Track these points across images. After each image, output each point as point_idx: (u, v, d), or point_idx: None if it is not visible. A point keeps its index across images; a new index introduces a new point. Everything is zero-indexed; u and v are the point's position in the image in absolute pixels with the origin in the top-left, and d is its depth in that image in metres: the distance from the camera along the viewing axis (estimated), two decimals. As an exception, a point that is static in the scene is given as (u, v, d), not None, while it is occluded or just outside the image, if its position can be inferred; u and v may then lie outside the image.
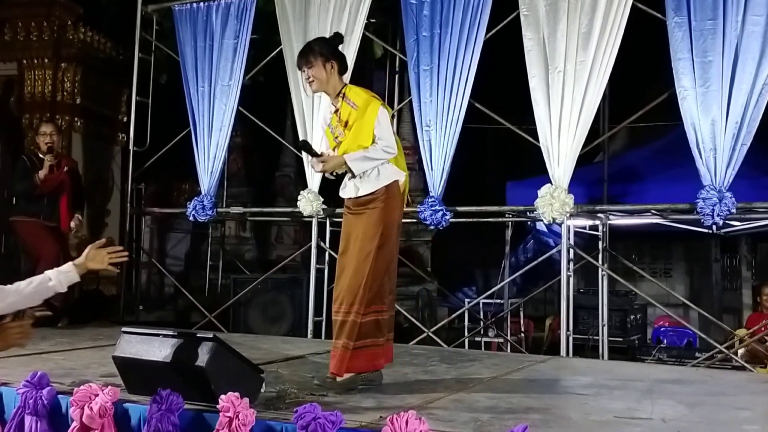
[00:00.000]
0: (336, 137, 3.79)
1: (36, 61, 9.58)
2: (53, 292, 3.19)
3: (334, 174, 3.82)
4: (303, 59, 3.80)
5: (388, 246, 3.71)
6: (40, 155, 6.39)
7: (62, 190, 6.44)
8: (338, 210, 7.04)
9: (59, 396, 3.27)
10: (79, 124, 9.79)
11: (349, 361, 3.63)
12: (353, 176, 3.70)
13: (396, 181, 3.77)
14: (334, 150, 3.81)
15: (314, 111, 6.56)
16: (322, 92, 3.92)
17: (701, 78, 5.23)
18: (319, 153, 3.83)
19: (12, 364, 4.18)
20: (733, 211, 5.12)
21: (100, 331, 6.19)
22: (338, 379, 3.64)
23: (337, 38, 3.92)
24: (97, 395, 3.06)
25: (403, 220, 6.70)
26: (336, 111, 3.80)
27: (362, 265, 3.62)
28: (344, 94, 3.77)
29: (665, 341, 7.73)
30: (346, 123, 3.73)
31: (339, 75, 3.81)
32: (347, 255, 3.72)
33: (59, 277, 3.18)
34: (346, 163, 3.65)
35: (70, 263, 3.26)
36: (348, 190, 3.82)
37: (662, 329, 8.02)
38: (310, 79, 3.78)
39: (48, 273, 3.19)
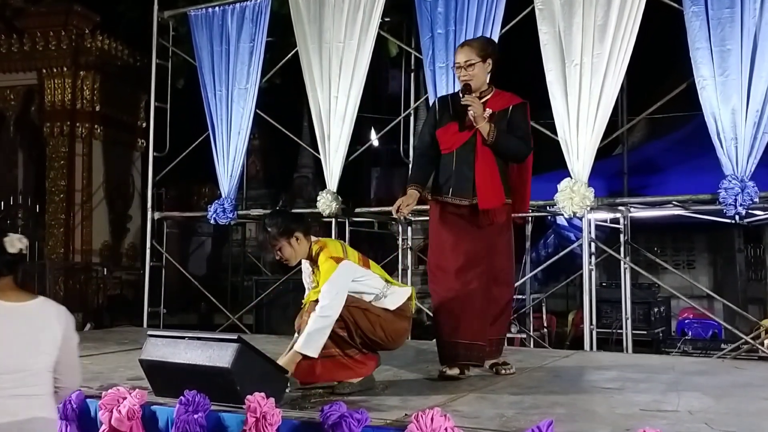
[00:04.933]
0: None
1: (55, 70, 9.71)
2: None
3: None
4: (270, 241, 3.66)
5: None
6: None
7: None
8: (357, 209, 7.07)
9: (88, 400, 3.32)
10: (99, 131, 9.92)
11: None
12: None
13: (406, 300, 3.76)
14: None
15: (331, 111, 6.58)
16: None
17: (720, 67, 5.17)
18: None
19: (41, 370, 4.23)
20: (756, 200, 5.06)
21: (125, 335, 6.26)
22: (354, 380, 3.65)
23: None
24: (125, 398, 3.11)
25: (422, 218, 6.72)
26: (313, 271, 3.75)
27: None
28: (314, 259, 3.66)
29: (690, 333, 7.67)
30: (318, 282, 3.67)
31: (306, 240, 3.66)
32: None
33: None
34: (301, 353, 3.44)
35: None
36: None
37: (687, 321, 7.95)
38: (284, 260, 3.70)
39: None
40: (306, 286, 3.87)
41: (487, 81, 4.10)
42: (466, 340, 3.95)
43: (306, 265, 3.85)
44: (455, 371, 3.94)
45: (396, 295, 3.72)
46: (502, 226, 4.07)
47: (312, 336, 3.43)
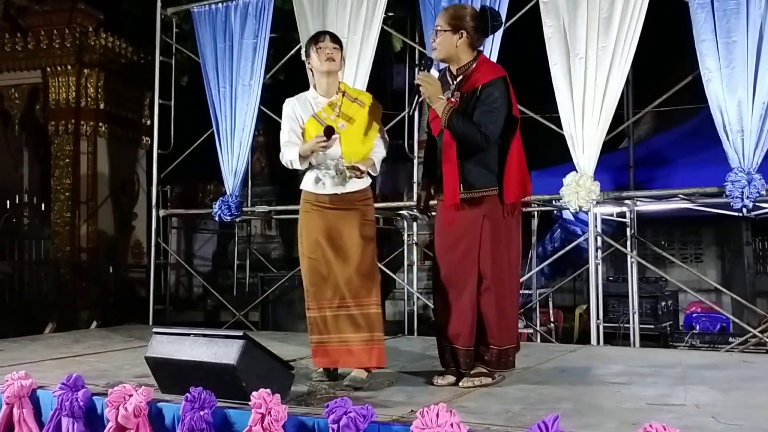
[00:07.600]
0: (333, 125, 3.70)
1: (59, 69, 9.70)
2: None
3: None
4: (332, 43, 3.82)
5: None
6: None
7: None
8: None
9: (94, 397, 3.32)
10: (103, 129, 9.91)
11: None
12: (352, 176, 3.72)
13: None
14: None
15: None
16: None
17: (726, 59, 5.14)
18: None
19: (47, 368, 4.26)
20: (763, 192, 5.03)
21: (131, 333, 6.27)
22: (363, 376, 3.66)
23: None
24: (131, 395, 3.11)
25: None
26: (330, 104, 3.82)
27: (372, 256, 3.76)
28: (343, 90, 3.88)
29: (698, 327, 7.63)
30: (350, 117, 3.78)
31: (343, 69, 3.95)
32: (347, 247, 3.71)
33: None
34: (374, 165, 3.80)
35: None
36: (328, 186, 3.75)
37: (694, 315, 7.91)
38: (331, 60, 3.78)
39: None
40: (298, 119, 3.87)
41: (465, 55, 3.60)
42: (444, 342, 3.75)
43: (300, 103, 3.90)
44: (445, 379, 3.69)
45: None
46: (475, 218, 3.53)
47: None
